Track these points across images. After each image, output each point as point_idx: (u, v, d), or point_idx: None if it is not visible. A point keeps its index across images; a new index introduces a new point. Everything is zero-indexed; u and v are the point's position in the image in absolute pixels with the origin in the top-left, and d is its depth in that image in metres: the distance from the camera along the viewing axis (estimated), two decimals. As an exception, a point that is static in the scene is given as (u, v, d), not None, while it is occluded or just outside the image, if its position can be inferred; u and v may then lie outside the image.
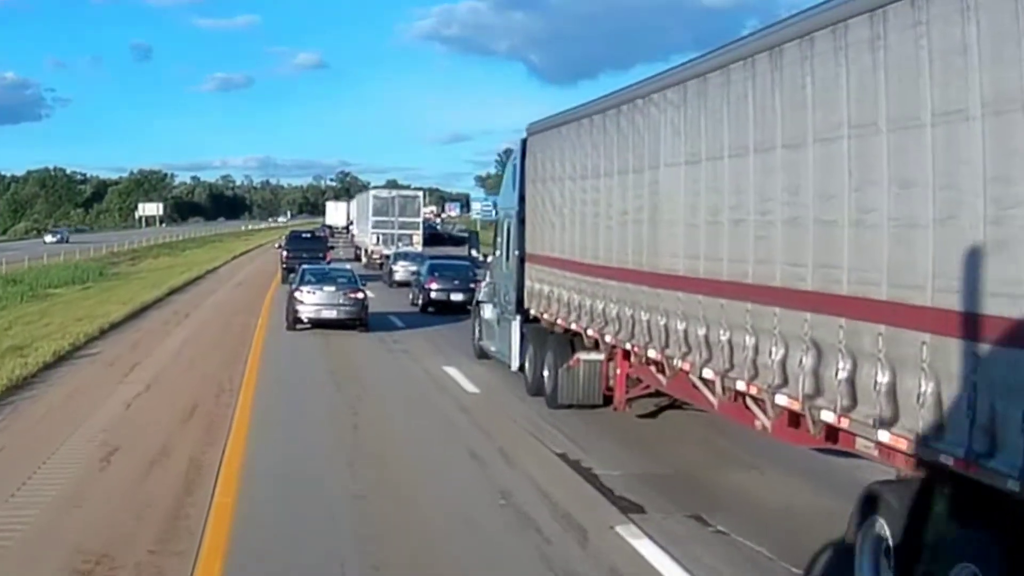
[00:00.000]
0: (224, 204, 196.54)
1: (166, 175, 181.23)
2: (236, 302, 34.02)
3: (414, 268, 39.92)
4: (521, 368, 16.97)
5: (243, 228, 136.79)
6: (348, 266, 34.26)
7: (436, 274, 31.67)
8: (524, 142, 17.53)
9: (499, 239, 18.94)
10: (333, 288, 24.79)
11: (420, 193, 54.18)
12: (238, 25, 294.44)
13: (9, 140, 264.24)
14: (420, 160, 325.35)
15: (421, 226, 52.09)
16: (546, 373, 15.46)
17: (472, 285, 31.16)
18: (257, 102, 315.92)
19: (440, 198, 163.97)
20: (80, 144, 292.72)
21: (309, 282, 24.99)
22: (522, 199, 17.38)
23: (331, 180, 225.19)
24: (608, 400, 14.35)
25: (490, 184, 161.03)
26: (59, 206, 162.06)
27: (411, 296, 33.68)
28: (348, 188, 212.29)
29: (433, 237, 60.81)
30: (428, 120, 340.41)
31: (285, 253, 41.81)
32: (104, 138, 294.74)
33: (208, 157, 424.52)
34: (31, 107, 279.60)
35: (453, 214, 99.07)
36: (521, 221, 17.33)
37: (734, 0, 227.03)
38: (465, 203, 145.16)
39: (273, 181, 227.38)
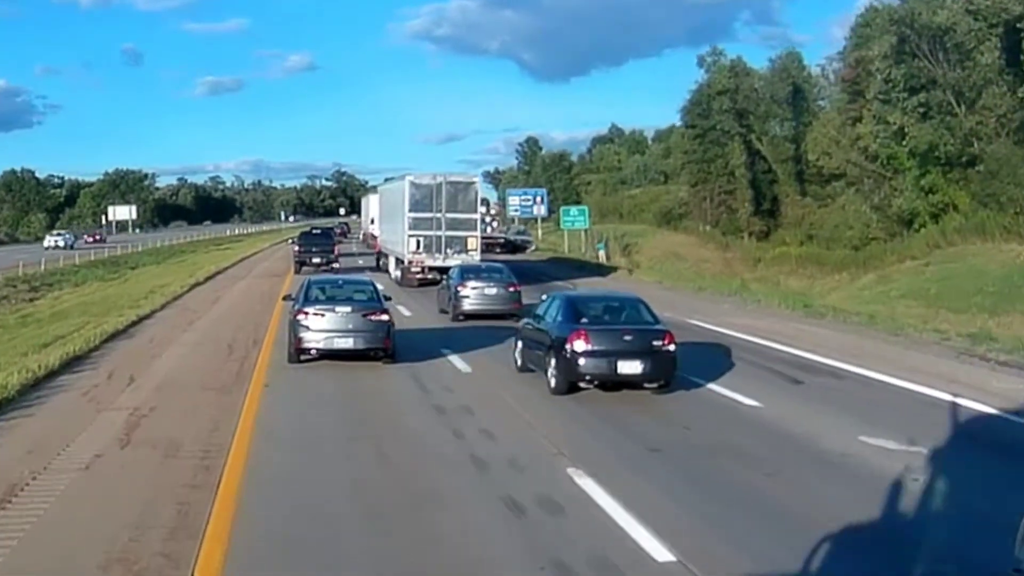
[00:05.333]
0: (212, 206, 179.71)
1: (146, 175, 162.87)
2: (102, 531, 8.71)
3: (494, 291, 25.05)
4: None
5: (227, 232, 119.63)
6: (367, 275, 27.41)
7: (585, 320, 15.58)
8: None
9: None
10: (348, 308, 18.77)
11: (477, 179, 36.45)
12: (228, 28, 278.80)
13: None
14: (414, 160, 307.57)
15: (479, 225, 35.11)
16: None
17: (657, 343, 15.28)
18: (249, 105, 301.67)
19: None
20: (72, 151, 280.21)
21: (316, 300, 19.14)
22: None
23: (327, 180, 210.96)
24: None
25: (504, 179, 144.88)
26: (27, 211, 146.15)
27: (517, 357, 17.56)
28: (345, 188, 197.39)
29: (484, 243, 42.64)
30: (421, 120, 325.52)
31: (297, 248, 46.40)
32: (96, 144, 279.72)
33: (201, 161, 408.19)
34: (22, 114, 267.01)
35: (492, 211, 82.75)
36: None
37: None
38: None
39: (266, 182, 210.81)
